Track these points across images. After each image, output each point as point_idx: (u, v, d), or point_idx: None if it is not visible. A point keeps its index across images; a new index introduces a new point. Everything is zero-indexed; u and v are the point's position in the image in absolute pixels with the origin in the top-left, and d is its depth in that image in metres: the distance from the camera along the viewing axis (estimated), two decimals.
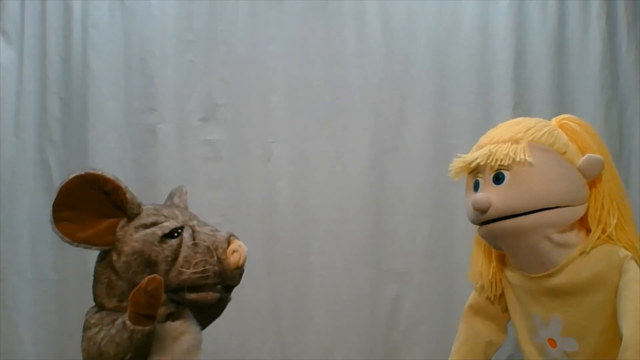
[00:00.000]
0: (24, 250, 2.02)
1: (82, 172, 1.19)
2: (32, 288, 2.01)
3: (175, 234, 1.19)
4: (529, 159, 1.14)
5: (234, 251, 1.18)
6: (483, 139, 1.25)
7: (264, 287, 2.02)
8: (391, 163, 2.06)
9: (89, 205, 1.19)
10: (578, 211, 1.19)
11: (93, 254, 1.92)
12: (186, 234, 1.19)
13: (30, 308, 2.00)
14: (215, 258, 1.16)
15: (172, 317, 1.21)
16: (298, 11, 2.09)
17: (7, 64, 2.04)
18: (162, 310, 1.17)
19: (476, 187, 1.21)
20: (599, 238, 1.19)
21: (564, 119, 1.27)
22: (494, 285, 1.33)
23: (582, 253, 1.18)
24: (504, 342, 1.40)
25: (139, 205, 1.23)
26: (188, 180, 1.99)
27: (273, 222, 2.05)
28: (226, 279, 1.20)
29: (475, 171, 1.23)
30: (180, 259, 1.16)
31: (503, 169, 1.16)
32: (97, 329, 1.17)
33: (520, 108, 2.04)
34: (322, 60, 2.09)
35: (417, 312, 2.03)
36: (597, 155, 1.19)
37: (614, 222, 1.18)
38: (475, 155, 1.21)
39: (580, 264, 1.17)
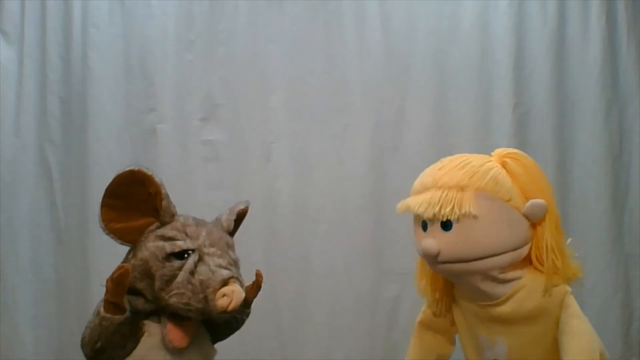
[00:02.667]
0: (24, 250, 2.02)
1: (135, 168, 1.19)
2: (32, 288, 2.01)
3: (186, 255, 1.18)
4: (473, 212, 1.15)
5: (224, 295, 1.14)
6: (427, 179, 1.25)
7: (264, 287, 2.00)
8: (391, 163, 2.06)
9: (133, 200, 1.20)
10: (522, 252, 1.21)
11: (94, 255, 1.95)
12: (191, 260, 1.17)
13: (30, 308, 2.00)
14: (203, 296, 1.14)
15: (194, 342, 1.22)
16: (298, 11, 2.09)
17: (7, 64, 2.04)
18: (157, 314, 1.19)
19: (424, 226, 1.23)
20: (544, 274, 1.22)
21: (506, 155, 1.24)
22: (440, 303, 1.36)
23: (524, 286, 1.21)
24: (452, 353, 1.43)
25: (173, 215, 1.23)
26: (188, 180, 2.00)
27: (273, 222, 2.05)
28: (211, 318, 1.18)
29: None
30: (173, 284, 1.15)
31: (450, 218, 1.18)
32: (95, 311, 1.19)
33: (520, 108, 2.05)
34: (322, 60, 2.09)
35: (417, 312, 2.00)
36: (540, 200, 1.20)
37: (558, 260, 1.21)
38: (420, 203, 1.21)
39: (523, 295, 1.21)
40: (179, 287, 1.14)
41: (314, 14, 2.10)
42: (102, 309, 1.13)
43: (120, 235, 1.21)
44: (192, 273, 1.15)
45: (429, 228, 1.21)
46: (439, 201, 1.18)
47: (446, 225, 1.18)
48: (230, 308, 1.14)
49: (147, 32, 2.05)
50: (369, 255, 2.05)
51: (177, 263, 1.16)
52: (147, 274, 1.17)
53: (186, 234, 1.20)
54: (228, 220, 1.32)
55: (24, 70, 2.05)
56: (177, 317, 1.18)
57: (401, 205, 1.26)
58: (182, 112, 2.06)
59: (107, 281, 1.12)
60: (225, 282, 1.15)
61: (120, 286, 1.11)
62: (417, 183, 1.28)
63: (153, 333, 1.19)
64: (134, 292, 1.18)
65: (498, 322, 1.24)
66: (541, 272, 1.21)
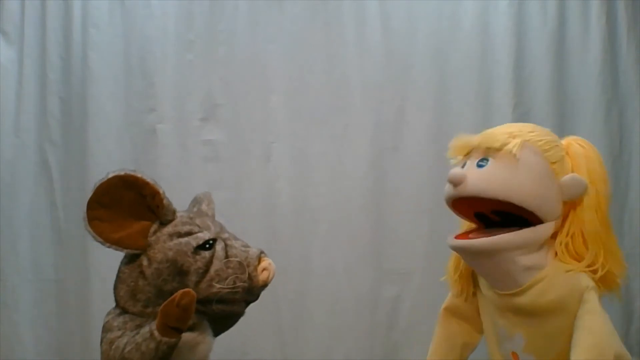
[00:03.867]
0: (24, 250, 2.02)
1: (122, 173, 1.17)
2: (32, 288, 2.01)
3: (207, 246, 1.20)
4: (515, 150, 1.14)
5: (264, 269, 1.21)
6: (487, 130, 1.26)
7: None
8: (391, 163, 2.06)
9: (124, 206, 1.18)
10: (543, 232, 1.17)
11: (94, 255, 1.94)
12: (219, 247, 1.20)
13: (30, 308, 2.01)
14: (247, 275, 1.19)
15: (191, 327, 1.19)
16: (298, 11, 2.09)
17: (7, 64, 2.04)
18: None
19: (463, 167, 1.23)
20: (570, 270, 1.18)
21: (573, 139, 1.26)
22: (463, 289, 1.35)
23: (545, 277, 1.18)
24: (479, 342, 1.40)
25: (174, 212, 1.23)
26: (188, 180, 2.00)
27: (273, 222, 2.05)
28: (252, 295, 1.22)
29: (468, 155, 1.23)
30: (212, 272, 1.17)
31: (489, 155, 1.17)
32: (119, 333, 1.16)
33: (520, 108, 2.05)
34: (322, 60, 2.09)
35: (417, 312, 2.03)
36: (581, 178, 1.18)
37: (588, 258, 1.17)
38: (471, 137, 1.22)
39: (544, 287, 1.17)
40: (220, 273, 1.18)
41: (314, 14, 2.10)
42: (156, 332, 1.09)
43: (125, 244, 1.19)
44: (227, 258, 1.19)
45: (466, 166, 1.20)
46: (489, 134, 1.20)
47: (482, 163, 1.17)
48: (270, 280, 1.23)
49: (147, 32, 2.05)
50: (369, 255, 2.05)
51: (207, 253, 1.19)
52: (178, 272, 1.17)
53: (199, 226, 1.22)
54: (210, 209, 1.35)
55: (24, 70, 2.05)
56: (221, 303, 1.19)
57: (454, 140, 1.25)
58: (182, 112, 2.06)
59: (168, 307, 1.08)
60: (260, 258, 1.22)
61: (187, 312, 1.09)
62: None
63: (180, 343, 1.16)
64: (162, 294, 1.16)
65: (516, 313, 1.22)
66: (567, 263, 1.17)
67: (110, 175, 1.17)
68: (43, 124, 2.04)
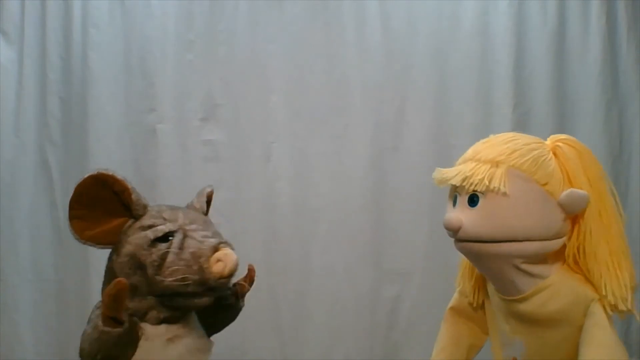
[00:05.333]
0: (24, 250, 2.02)
1: (95, 172, 1.18)
2: (32, 288, 2.01)
3: (171, 238, 1.17)
4: (503, 189, 1.09)
5: (218, 260, 1.13)
6: (469, 153, 1.20)
7: (264, 287, 2.02)
8: (391, 163, 2.06)
9: (101, 204, 1.19)
10: (551, 245, 1.13)
11: (94, 255, 1.94)
12: (176, 239, 1.17)
13: (30, 308, 2.01)
14: (197, 267, 1.13)
15: (168, 320, 1.19)
16: (298, 11, 2.09)
17: (7, 64, 2.04)
18: (154, 314, 1.17)
19: (455, 201, 1.19)
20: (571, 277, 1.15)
21: (560, 140, 1.18)
22: (475, 293, 1.32)
23: (550, 286, 1.14)
24: (484, 343, 1.38)
25: (145, 207, 1.22)
26: (188, 180, 2.00)
27: (273, 222, 2.05)
28: (212, 288, 1.16)
29: (454, 186, 1.19)
30: (165, 264, 1.14)
31: (478, 193, 1.12)
32: (89, 325, 1.17)
33: (520, 108, 2.05)
34: (322, 60, 2.09)
35: (417, 312, 2.03)
36: (581, 191, 1.11)
37: (596, 269, 1.13)
38: (453, 173, 1.17)
39: (547, 296, 1.14)
40: (171, 265, 1.13)
41: (314, 14, 2.09)
42: (100, 323, 1.11)
43: (97, 241, 1.20)
44: (181, 249, 1.15)
45: (458, 203, 1.16)
46: (470, 171, 1.13)
47: (473, 200, 1.12)
48: (226, 272, 1.13)
49: (147, 32, 2.05)
50: (369, 255, 2.05)
51: (163, 245, 1.16)
52: (138, 265, 1.16)
53: (164, 219, 1.20)
54: (200, 202, 1.33)
55: (24, 70, 2.05)
56: (184, 296, 1.16)
57: (437, 172, 1.22)
58: (182, 112, 2.06)
59: (104, 296, 1.11)
60: (216, 249, 1.15)
61: (119, 300, 1.09)
62: (462, 156, 1.22)
63: (150, 336, 1.17)
64: (129, 288, 1.16)
65: (518, 319, 1.19)
66: (575, 273, 1.14)
67: (86, 176, 1.18)
68: (43, 124, 2.04)
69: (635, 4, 2.09)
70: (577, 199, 1.12)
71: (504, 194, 1.09)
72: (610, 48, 2.07)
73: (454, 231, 1.14)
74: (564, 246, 1.16)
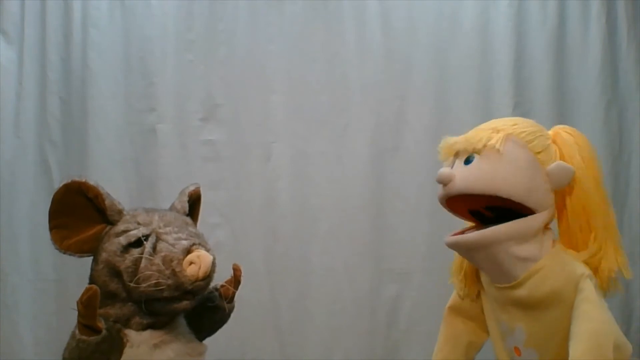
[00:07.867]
0: (24, 250, 2.01)
1: (69, 181, 1.18)
2: (32, 288, 2.01)
3: (145, 242, 1.15)
4: (497, 146, 1.16)
5: (191, 262, 1.11)
6: (473, 129, 1.28)
7: (264, 287, 2.02)
8: (391, 163, 2.06)
9: (79, 212, 1.19)
10: (534, 222, 1.18)
11: None
12: (149, 243, 1.14)
13: (30, 308, 2.00)
14: (170, 271, 1.10)
15: (153, 326, 1.18)
16: (298, 11, 2.09)
17: (7, 64, 2.04)
18: (137, 320, 1.16)
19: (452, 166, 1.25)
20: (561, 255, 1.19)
21: (560, 128, 1.27)
22: (464, 286, 1.35)
23: (542, 269, 1.18)
24: (484, 342, 1.40)
25: (120, 212, 1.21)
26: (188, 180, 1.97)
27: (273, 222, 2.05)
28: (187, 291, 1.13)
29: (457, 154, 1.26)
30: (139, 270, 1.12)
31: (475, 153, 1.19)
32: (72, 333, 1.16)
33: (520, 108, 2.04)
34: (322, 60, 2.09)
35: (417, 312, 2.03)
36: (568, 165, 1.19)
37: (593, 246, 1.18)
38: (458, 138, 1.25)
39: (540, 278, 1.18)
40: (144, 271, 1.11)
41: (314, 14, 2.10)
42: (77, 332, 1.10)
43: (76, 249, 1.20)
44: (153, 254, 1.13)
45: (455, 165, 1.23)
46: (473, 136, 1.22)
47: (468, 160, 1.19)
48: (201, 274, 1.11)
49: (147, 32, 2.05)
50: (369, 255, 2.05)
51: (136, 251, 1.14)
52: (114, 273, 1.15)
53: (138, 223, 1.18)
54: (181, 202, 1.31)
55: (24, 70, 2.05)
56: (162, 301, 1.14)
57: (442, 142, 1.29)
58: (182, 112, 2.06)
59: (77, 304, 1.09)
60: (188, 250, 1.13)
61: (91, 308, 1.08)
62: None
63: (135, 343, 1.16)
64: (109, 295, 1.16)
65: (516, 306, 1.22)
66: (566, 250, 1.19)
67: (61, 184, 1.18)
68: (43, 124, 2.04)
69: (635, 4, 2.10)
70: (564, 171, 1.18)
71: (498, 151, 1.17)
72: (610, 48, 2.07)
73: (444, 183, 1.20)
74: (551, 232, 1.22)
